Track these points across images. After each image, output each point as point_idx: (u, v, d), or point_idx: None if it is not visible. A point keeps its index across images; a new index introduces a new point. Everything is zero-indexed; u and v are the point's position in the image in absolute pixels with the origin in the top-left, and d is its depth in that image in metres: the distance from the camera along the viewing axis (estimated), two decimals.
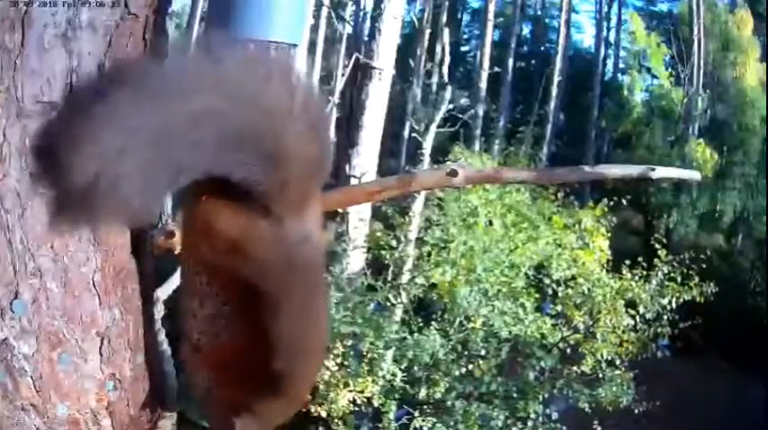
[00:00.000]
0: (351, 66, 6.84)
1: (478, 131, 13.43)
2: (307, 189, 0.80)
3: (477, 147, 12.29)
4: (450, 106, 8.07)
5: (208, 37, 0.80)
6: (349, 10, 12.53)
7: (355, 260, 6.44)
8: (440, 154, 8.30)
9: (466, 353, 5.80)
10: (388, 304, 5.99)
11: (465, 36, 19.45)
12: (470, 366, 5.73)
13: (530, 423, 5.62)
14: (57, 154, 0.68)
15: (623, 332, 5.98)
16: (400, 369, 5.56)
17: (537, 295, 6.14)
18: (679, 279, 6.08)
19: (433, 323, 5.83)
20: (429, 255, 6.10)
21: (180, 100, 0.70)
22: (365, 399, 5.57)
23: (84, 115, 0.68)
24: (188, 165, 0.72)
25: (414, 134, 9.20)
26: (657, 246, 6.22)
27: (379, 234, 6.51)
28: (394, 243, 6.23)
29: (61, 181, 0.68)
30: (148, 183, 0.70)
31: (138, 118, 0.68)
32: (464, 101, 13.70)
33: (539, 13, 18.64)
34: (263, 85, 0.74)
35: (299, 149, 0.76)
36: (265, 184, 0.75)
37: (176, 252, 1.26)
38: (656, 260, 6.14)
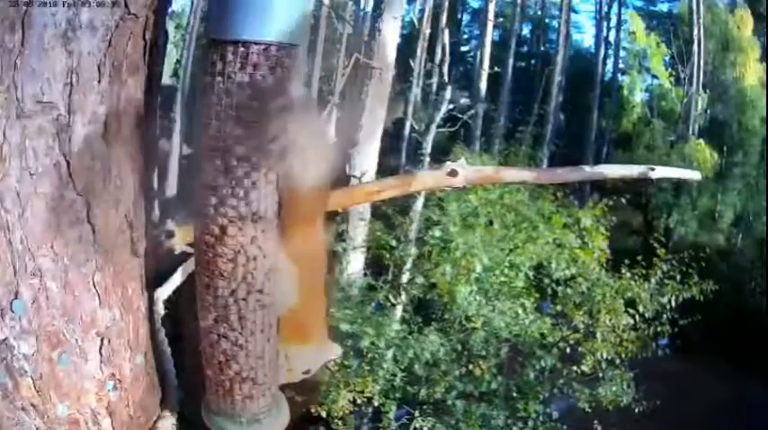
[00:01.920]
0: (351, 66, 6.83)
1: (478, 131, 13.42)
2: (314, 207, 0.92)
3: (477, 147, 12.29)
4: (451, 106, 8.07)
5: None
6: (349, 10, 12.52)
7: (355, 260, 6.44)
8: (440, 154, 8.30)
9: (466, 352, 5.80)
10: (389, 304, 5.99)
11: (465, 36, 19.42)
12: (470, 366, 5.73)
13: (530, 422, 5.62)
14: None
15: (623, 331, 5.98)
16: (400, 369, 5.56)
17: (537, 295, 6.14)
18: (678, 277, 6.09)
19: (433, 323, 5.83)
20: (429, 254, 6.10)
21: None
22: (365, 399, 5.57)
23: None
24: None
25: (414, 134, 9.20)
26: (656, 245, 6.23)
27: (379, 234, 6.50)
28: (394, 243, 6.23)
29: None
30: None
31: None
32: (464, 101, 13.68)
33: (539, 13, 18.62)
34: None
35: (308, 177, 0.87)
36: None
37: (176, 252, 1.27)
38: (655, 259, 6.15)
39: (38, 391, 0.84)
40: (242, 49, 0.79)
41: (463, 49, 19.04)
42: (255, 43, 0.79)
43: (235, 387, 0.93)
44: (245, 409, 0.94)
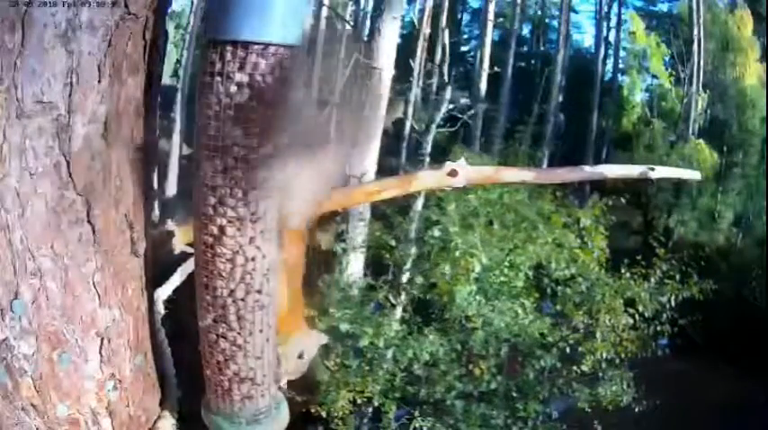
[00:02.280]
0: (351, 66, 6.82)
1: (478, 131, 13.42)
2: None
3: (477, 147, 12.29)
4: (451, 106, 8.07)
5: None
6: (349, 10, 12.53)
7: (355, 260, 6.44)
8: (440, 154, 8.29)
9: (465, 352, 5.79)
10: (388, 304, 5.99)
11: (465, 36, 19.41)
12: (470, 366, 5.73)
13: (530, 422, 5.62)
14: None
15: (623, 331, 5.98)
16: (400, 368, 5.56)
17: (536, 295, 6.14)
18: (678, 277, 6.09)
19: (432, 323, 5.83)
20: (429, 254, 6.09)
21: None
22: (365, 399, 5.57)
23: None
24: None
25: (414, 134, 9.21)
26: (656, 244, 6.23)
27: (378, 234, 6.50)
28: (394, 243, 6.23)
29: None
30: None
31: None
32: (464, 101, 13.68)
33: (539, 13, 18.62)
34: None
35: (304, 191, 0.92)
36: None
37: (176, 252, 1.27)
38: (654, 259, 6.15)
39: (38, 391, 0.84)
40: (241, 49, 0.79)
41: (463, 49, 19.04)
42: (255, 43, 0.79)
43: (233, 387, 0.93)
44: (244, 409, 0.94)
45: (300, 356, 1.07)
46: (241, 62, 0.79)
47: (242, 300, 0.88)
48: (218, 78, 0.80)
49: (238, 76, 0.80)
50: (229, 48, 0.79)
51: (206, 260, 0.87)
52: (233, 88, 0.80)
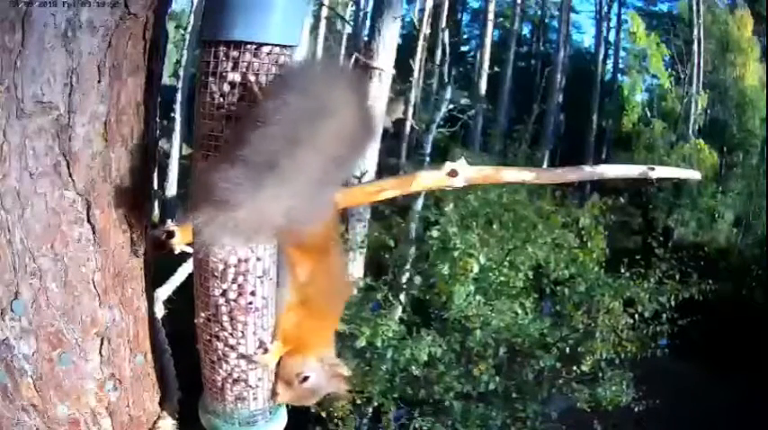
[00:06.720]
0: (351, 66, 6.81)
1: (478, 131, 13.43)
2: None
3: (477, 147, 12.31)
4: (451, 106, 8.08)
5: None
6: (349, 10, 12.52)
7: (354, 261, 6.44)
8: (440, 154, 8.29)
9: (465, 352, 5.80)
10: (387, 304, 5.99)
11: (465, 36, 19.42)
12: (469, 366, 5.73)
13: (529, 423, 5.62)
14: None
15: (622, 331, 5.98)
16: (399, 368, 5.56)
17: (536, 295, 6.14)
18: (677, 277, 6.09)
19: (431, 323, 5.83)
20: (428, 255, 6.09)
21: None
22: (365, 399, 5.57)
23: None
24: None
25: (414, 134, 9.21)
26: (655, 244, 6.23)
27: (378, 234, 6.50)
28: (393, 243, 6.22)
29: None
30: None
31: None
32: (464, 101, 13.70)
33: (539, 13, 18.64)
34: None
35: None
36: None
37: (176, 252, 1.27)
38: (654, 259, 6.15)
39: (38, 391, 0.84)
40: (234, 48, 0.79)
41: (463, 49, 19.05)
42: (248, 43, 0.79)
43: (226, 386, 0.93)
44: (237, 411, 0.94)
45: (304, 380, 0.97)
46: (234, 62, 0.80)
47: (234, 301, 0.87)
48: (213, 78, 0.80)
49: (231, 76, 0.80)
50: (222, 47, 0.79)
51: (200, 259, 0.87)
52: (226, 87, 0.80)
